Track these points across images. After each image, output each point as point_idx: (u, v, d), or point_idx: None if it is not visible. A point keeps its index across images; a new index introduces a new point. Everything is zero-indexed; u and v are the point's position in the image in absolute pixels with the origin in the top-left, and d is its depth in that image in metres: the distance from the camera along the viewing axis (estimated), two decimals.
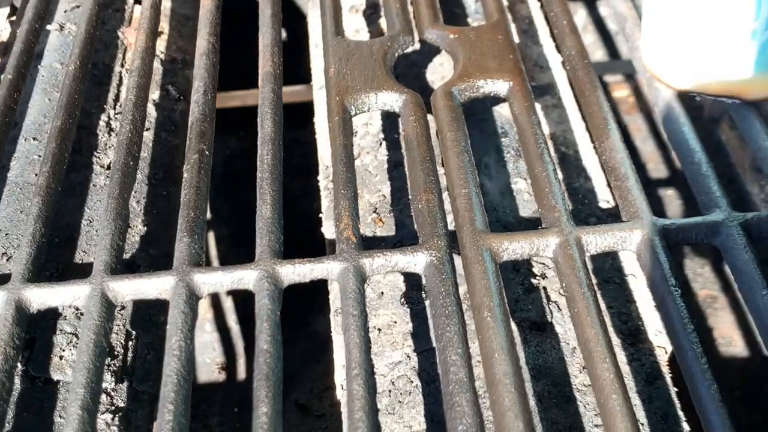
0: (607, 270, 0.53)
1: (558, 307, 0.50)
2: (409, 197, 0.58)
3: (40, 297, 0.45)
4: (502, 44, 0.58)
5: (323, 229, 0.61)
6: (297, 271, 0.46)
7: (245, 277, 0.46)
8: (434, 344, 0.43)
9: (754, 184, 0.61)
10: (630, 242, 0.46)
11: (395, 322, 0.52)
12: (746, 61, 0.49)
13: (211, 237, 1.01)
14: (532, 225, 0.55)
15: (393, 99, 0.55)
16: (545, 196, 0.48)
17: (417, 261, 0.46)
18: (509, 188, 0.57)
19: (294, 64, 1.07)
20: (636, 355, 0.49)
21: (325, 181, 0.62)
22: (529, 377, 0.47)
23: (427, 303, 0.52)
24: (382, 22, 0.72)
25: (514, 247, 0.46)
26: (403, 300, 0.53)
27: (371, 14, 0.74)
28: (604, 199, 0.56)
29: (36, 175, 0.58)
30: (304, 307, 0.92)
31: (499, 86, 0.55)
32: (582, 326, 0.43)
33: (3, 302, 0.44)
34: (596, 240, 0.46)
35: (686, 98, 0.54)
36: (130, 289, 0.45)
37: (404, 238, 0.56)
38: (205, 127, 0.54)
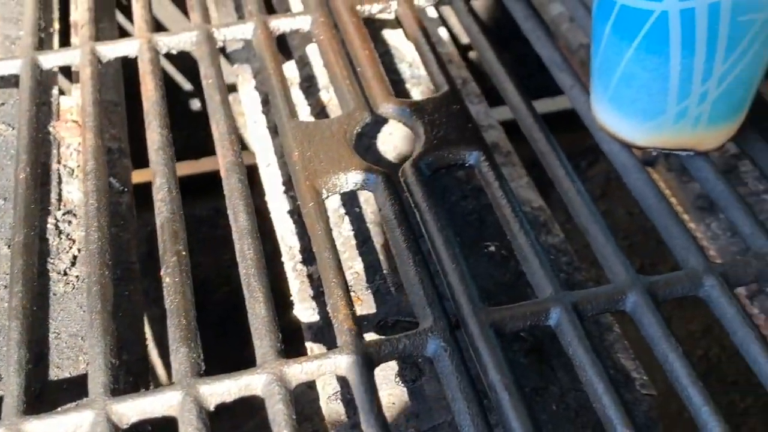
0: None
1: (555, 373, 0.52)
2: (384, 274, 0.58)
3: (41, 431, 0.43)
4: (458, 114, 0.59)
5: (297, 313, 0.60)
6: (305, 370, 0.45)
7: (252, 383, 0.45)
8: (455, 424, 0.43)
9: (699, 222, 0.64)
10: (625, 302, 0.48)
11: (394, 403, 0.52)
12: (701, 117, 0.52)
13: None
14: (511, 289, 0.56)
15: (364, 178, 0.55)
16: (533, 265, 0.50)
17: (426, 345, 0.46)
18: (482, 254, 0.58)
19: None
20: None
21: (291, 262, 0.62)
22: None
23: (422, 381, 0.52)
24: (322, 95, 0.72)
25: (515, 320, 0.47)
26: (398, 379, 0.53)
27: (308, 87, 0.74)
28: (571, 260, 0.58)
29: None
30: None
31: (466, 156, 0.56)
32: (593, 388, 0.44)
33: None
34: (592, 302, 0.47)
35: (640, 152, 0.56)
36: (135, 409, 0.44)
37: (387, 315, 0.56)
38: (177, 227, 0.53)
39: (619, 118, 0.55)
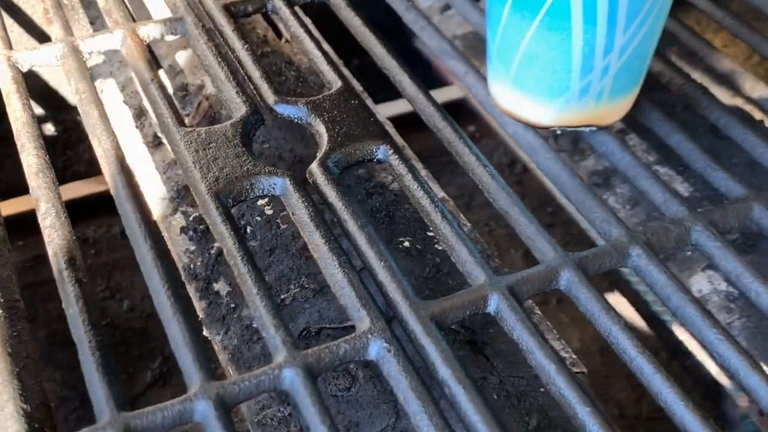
0: None
1: (492, 362, 0.50)
2: (299, 282, 0.55)
3: None
4: (358, 109, 0.57)
5: (207, 335, 0.56)
6: (243, 390, 0.42)
7: (187, 411, 0.41)
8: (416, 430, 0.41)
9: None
10: (559, 280, 0.47)
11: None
12: (604, 91, 0.53)
13: None
14: (433, 283, 0.55)
15: (271, 183, 0.52)
16: (461, 253, 0.48)
17: (368, 348, 0.43)
18: (398, 250, 0.57)
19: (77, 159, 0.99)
20: None
21: (194, 282, 0.58)
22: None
23: (356, 388, 0.50)
24: (202, 103, 0.68)
25: (455, 310, 0.45)
26: (331, 390, 0.50)
27: (184, 96, 0.70)
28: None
29: None
30: None
31: (374, 150, 0.54)
32: (545, 370, 0.43)
33: None
34: (527, 284, 0.47)
35: (543, 132, 0.56)
36: None
37: (309, 324, 0.53)
38: (74, 253, 0.48)
39: (523, 99, 0.55)
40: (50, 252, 0.49)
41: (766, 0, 0.71)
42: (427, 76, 0.74)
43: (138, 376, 0.88)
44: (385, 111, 0.83)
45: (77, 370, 0.44)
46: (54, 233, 0.49)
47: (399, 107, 1.02)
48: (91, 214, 0.96)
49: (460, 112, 0.97)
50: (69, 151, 0.95)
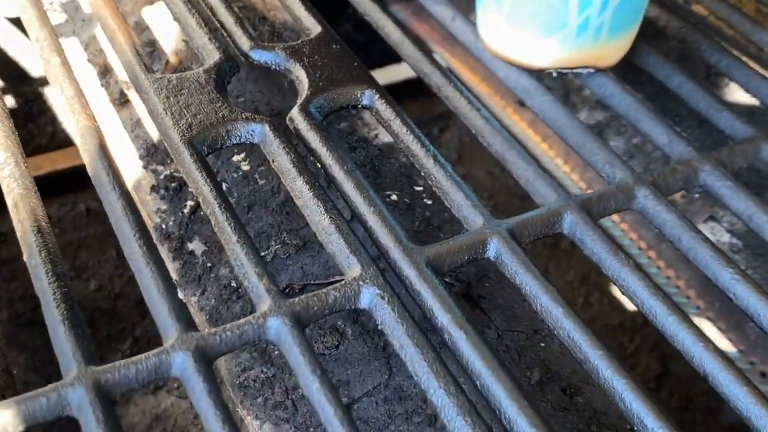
0: None
1: (489, 315, 0.47)
2: (280, 237, 0.52)
3: None
4: (340, 53, 0.53)
5: (183, 296, 0.52)
6: (225, 341, 0.38)
7: (164, 363, 0.37)
8: (415, 379, 0.37)
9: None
10: (562, 223, 0.44)
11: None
12: (602, 27, 0.50)
13: None
14: (423, 236, 0.51)
15: (248, 130, 0.48)
16: (457, 198, 0.45)
17: (360, 296, 0.40)
18: (386, 204, 0.53)
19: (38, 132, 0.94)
20: None
21: (167, 242, 0.54)
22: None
23: (345, 345, 0.47)
24: (171, 58, 0.64)
25: (452, 255, 0.42)
26: (318, 347, 0.46)
27: (151, 52, 0.66)
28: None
29: None
30: None
31: (358, 95, 0.51)
32: (551, 314, 0.40)
33: None
34: (528, 228, 0.43)
35: (540, 75, 0.53)
36: (22, 417, 0.35)
37: (292, 280, 0.50)
38: (34, 203, 0.44)
39: (516, 38, 0.51)
40: (10, 203, 0.45)
41: None
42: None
43: (108, 358, 0.84)
44: None
45: (42, 352, 0.40)
46: (13, 183, 0.45)
47: (379, 78, 0.99)
48: (54, 191, 0.91)
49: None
50: (30, 124, 0.90)
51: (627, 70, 0.61)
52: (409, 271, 0.41)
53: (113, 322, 0.87)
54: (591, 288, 0.85)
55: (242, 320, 0.39)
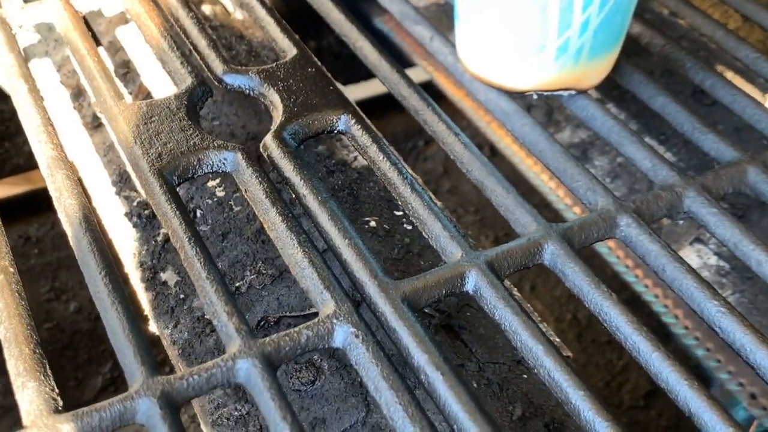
0: None
1: (470, 347, 0.46)
2: (256, 267, 0.50)
3: None
4: (316, 77, 0.52)
5: (154, 329, 0.51)
6: (192, 385, 0.37)
7: (129, 410, 0.36)
8: (390, 423, 0.36)
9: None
10: (542, 254, 0.42)
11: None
12: (583, 49, 0.48)
13: None
14: (402, 264, 0.50)
15: (221, 158, 0.47)
16: (434, 228, 0.44)
17: (333, 335, 0.38)
18: (364, 231, 0.52)
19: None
20: None
21: (138, 271, 0.53)
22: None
23: (321, 381, 0.45)
24: (144, 80, 0.63)
25: (429, 290, 0.40)
26: (293, 383, 0.45)
27: (125, 74, 0.64)
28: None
29: None
30: None
31: (334, 120, 0.49)
32: (532, 352, 0.38)
33: None
34: (508, 259, 0.42)
35: (518, 97, 0.52)
36: None
37: (267, 313, 0.48)
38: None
39: (496, 61, 0.50)
40: None
41: None
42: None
43: (87, 381, 0.82)
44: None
45: None
46: None
47: (359, 91, 0.97)
48: (33, 211, 0.90)
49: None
50: (7, 143, 0.88)
51: (611, 87, 0.60)
52: (384, 308, 0.40)
53: (93, 344, 0.86)
54: (579, 304, 0.84)
55: (210, 362, 0.37)
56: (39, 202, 0.89)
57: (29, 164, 0.88)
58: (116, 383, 0.82)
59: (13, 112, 0.91)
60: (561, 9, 0.46)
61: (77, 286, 0.88)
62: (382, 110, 0.95)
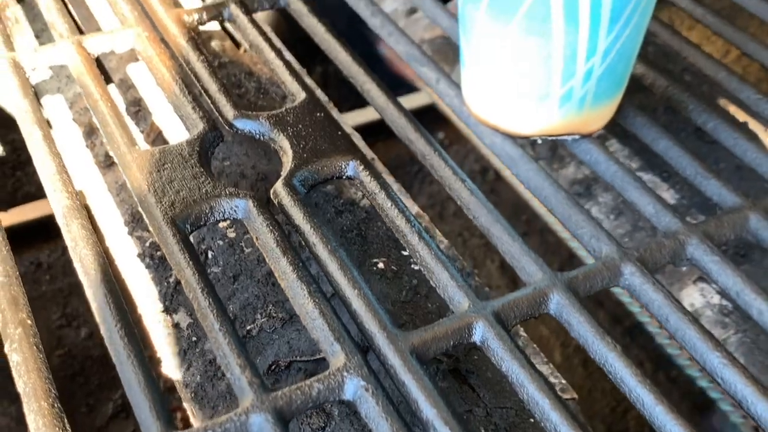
0: None
1: (477, 392, 0.47)
2: (266, 310, 0.51)
3: None
4: (324, 122, 0.53)
5: (167, 371, 0.52)
6: None
7: None
8: None
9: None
10: (548, 304, 0.43)
11: None
12: (586, 97, 0.49)
13: None
14: (411, 307, 0.51)
15: (232, 206, 0.48)
16: (442, 277, 0.45)
17: (344, 388, 0.39)
18: (372, 272, 0.53)
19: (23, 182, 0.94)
20: None
21: (152, 313, 0.54)
22: None
23: (331, 428, 0.46)
24: (155, 119, 0.64)
25: (438, 341, 0.41)
26: (303, 431, 0.46)
27: (137, 112, 0.65)
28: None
29: None
30: None
31: (342, 167, 0.50)
32: (538, 405, 0.39)
33: None
34: (515, 310, 0.43)
35: (523, 142, 0.53)
36: None
37: (278, 357, 0.49)
38: (16, 291, 0.44)
39: (500, 107, 0.51)
40: None
41: None
42: (392, 82, 0.70)
43: (99, 407, 0.83)
44: (350, 120, 0.80)
45: None
46: None
47: (365, 116, 0.98)
48: (44, 238, 0.91)
49: (428, 118, 0.93)
50: (19, 172, 0.90)
51: (614, 125, 0.61)
52: (393, 360, 0.41)
53: (105, 369, 0.87)
54: None
55: (224, 417, 0.38)
56: (50, 229, 0.90)
57: (40, 193, 0.89)
58: (127, 409, 0.83)
59: (24, 142, 0.93)
60: (564, 59, 0.47)
61: (88, 313, 0.89)
62: (388, 132, 0.96)
